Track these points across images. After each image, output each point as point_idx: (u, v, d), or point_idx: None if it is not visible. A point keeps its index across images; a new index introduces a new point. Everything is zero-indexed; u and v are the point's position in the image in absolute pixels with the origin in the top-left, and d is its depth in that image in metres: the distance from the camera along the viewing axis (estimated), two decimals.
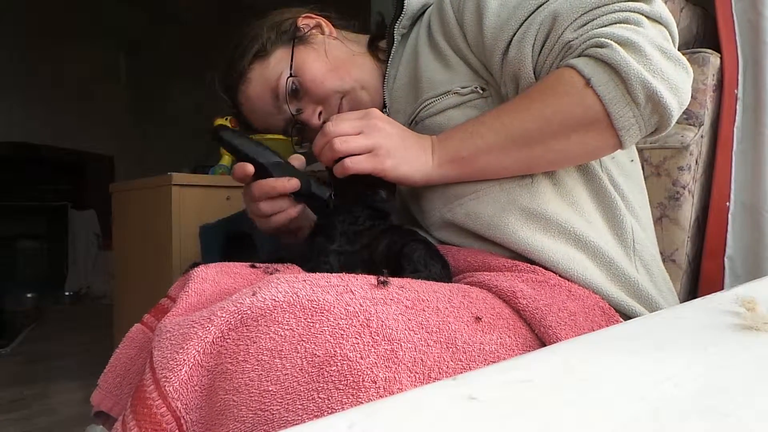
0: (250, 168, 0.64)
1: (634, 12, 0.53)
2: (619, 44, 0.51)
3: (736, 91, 0.93)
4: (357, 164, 0.59)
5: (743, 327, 0.31)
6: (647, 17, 0.53)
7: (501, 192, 0.61)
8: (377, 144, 0.60)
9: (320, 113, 0.76)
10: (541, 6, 0.57)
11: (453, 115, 0.65)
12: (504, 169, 0.60)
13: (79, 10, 3.70)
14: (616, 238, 0.61)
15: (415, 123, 0.69)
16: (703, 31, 1.00)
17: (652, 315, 0.36)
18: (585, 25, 0.54)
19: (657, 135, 0.56)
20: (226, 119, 1.46)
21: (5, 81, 3.55)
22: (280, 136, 1.47)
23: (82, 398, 1.70)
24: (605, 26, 0.53)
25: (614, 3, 0.54)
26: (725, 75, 0.94)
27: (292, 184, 0.64)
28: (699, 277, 0.96)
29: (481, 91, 0.65)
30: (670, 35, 0.55)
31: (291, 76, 0.73)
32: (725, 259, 0.97)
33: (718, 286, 0.95)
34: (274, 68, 0.75)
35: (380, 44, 0.80)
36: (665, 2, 0.93)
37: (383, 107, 0.76)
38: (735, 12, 0.95)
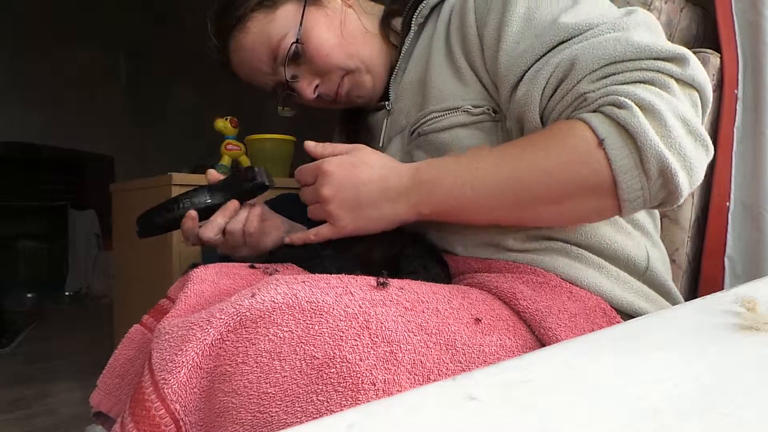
0: (189, 223, 0.65)
1: (662, 73, 0.48)
2: (639, 107, 0.46)
3: (736, 91, 0.93)
4: (319, 236, 0.60)
5: (743, 327, 0.31)
6: (677, 80, 0.48)
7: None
8: (332, 214, 0.58)
9: (317, 86, 0.72)
10: (561, 44, 0.52)
11: (460, 134, 0.61)
12: (490, 222, 0.56)
13: (79, 10, 3.69)
14: (627, 259, 0.59)
15: (417, 134, 0.65)
16: (703, 31, 1.00)
17: (652, 315, 0.36)
18: (605, 77, 0.49)
19: (660, 209, 0.53)
20: (226, 119, 1.46)
21: (5, 81, 3.54)
22: (279, 135, 1.47)
23: (82, 398, 1.70)
24: (627, 83, 0.48)
25: (642, 59, 0.48)
26: (725, 75, 0.94)
27: (212, 176, 0.68)
28: (699, 277, 0.96)
29: (492, 114, 0.60)
30: (702, 98, 0.50)
31: (297, 42, 0.68)
32: (725, 259, 0.97)
33: (718, 286, 0.95)
34: (279, 25, 0.68)
35: (393, 23, 0.74)
36: (665, 2, 0.93)
37: (386, 99, 0.73)
38: (735, 12, 0.95)
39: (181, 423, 0.39)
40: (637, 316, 0.57)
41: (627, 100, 0.46)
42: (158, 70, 4.11)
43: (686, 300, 0.59)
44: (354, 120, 0.83)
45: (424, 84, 0.66)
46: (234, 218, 0.65)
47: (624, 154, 0.46)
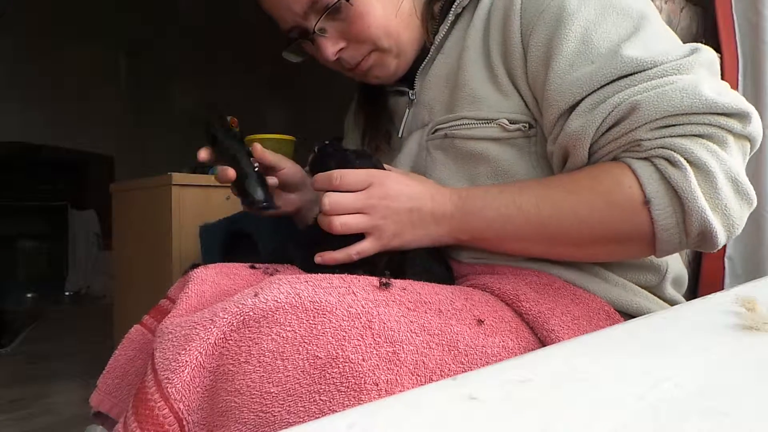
0: (232, 173, 0.64)
1: (722, 129, 0.46)
2: (692, 166, 0.45)
3: (735, 90, 0.93)
4: (362, 253, 0.55)
5: (743, 327, 0.31)
6: (734, 134, 0.47)
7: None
8: (379, 226, 0.55)
9: (341, 50, 0.66)
10: (622, 78, 0.49)
11: (490, 148, 0.59)
12: (525, 254, 0.57)
13: (79, 10, 3.70)
14: (640, 271, 0.59)
15: (444, 136, 0.62)
16: (703, 31, 1.00)
17: (652, 315, 0.36)
18: (665, 128, 0.47)
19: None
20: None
21: (5, 81, 3.54)
22: (279, 135, 1.47)
23: (82, 398, 1.70)
24: (685, 136, 0.46)
25: (705, 114, 0.46)
26: (725, 75, 0.94)
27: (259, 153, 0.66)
28: (699, 277, 0.96)
29: (528, 129, 0.58)
30: (752, 148, 0.50)
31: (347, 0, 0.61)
32: (725, 259, 0.97)
33: (718, 286, 0.95)
34: None
35: (434, 8, 0.68)
36: (665, 2, 0.93)
37: (409, 86, 0.70)
38: (735, 12, 0.95)
39: (185, 422, 0.39)
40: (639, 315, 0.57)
41: (681, 158, 0.45)
42: (158, 70, 4.11)
43: (687, 300, 0.59)
44: (374, 102, 0.79)
45: (454, 81, 0.63)
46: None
47: (668, 214, 0.47)
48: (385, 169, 0.59)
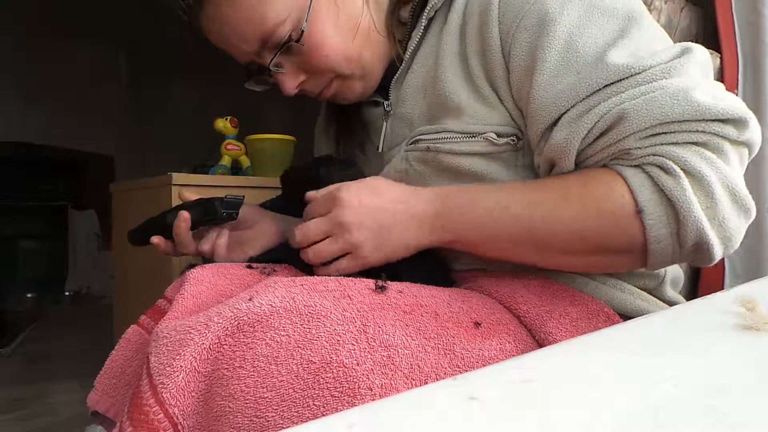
0: (156, 240, 0.66)
1: (718, 136, 0.43)
2: (687, 175, 0.43)
3: (736, 91, 0.93)
4: (343, 271, 0.54)
5: (743, 327, 0.31)
6: (731, 142, 0.44)
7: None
8: (353, 244, 0.53)
9: (301, 83, 0.64)
10: (608, 86, 0.46)
11: (477, 163, 0.56)
12: (514, 260, 0.54)
13: (79, 10, 3.69)
14: (636, 274, 0.58)
15: (426, 148, 0.59)
16: (703, 31, 1.00)
17: (651, 315, 0.36)
18: (655, 136, 0.44)
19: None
20: (226, 119, 1.46)
21: (5, 81, 3.54)
22: (279, 135, 1.47)
23: (82, 398, 1.70)
24: (677, 144, 0.44)
25: (698, 121, 0.43)
26: (725, 75, 0.94)
27: (183, 218, 0.63)
28: (699, 277, 0.96)
29: (516, 141, 0.55)
30: (750, 154, 0.47)
31: (297, 41, 0.59)
32: (725, 259, 0.97)
33: (718, 286, 0.95)
34: (278, 7, 0.57)
35: (400, 13, 0.65)
36: (665, 2, 0.93)
37: (386, 99, 0.67)
38: (735, 12, 0.96)
39: (180, 427, 0.39)
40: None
41: (675, 166, 0.43)
42: (158, 70, 4.11)
43: (687, 300, 0.59)
44: (346, 115, 0.75)
45: (432, 91, 0.60)
46: (205, 239, 0.67)
47: (662, 223, 0.44)
48: (352, 178, 0.57)
